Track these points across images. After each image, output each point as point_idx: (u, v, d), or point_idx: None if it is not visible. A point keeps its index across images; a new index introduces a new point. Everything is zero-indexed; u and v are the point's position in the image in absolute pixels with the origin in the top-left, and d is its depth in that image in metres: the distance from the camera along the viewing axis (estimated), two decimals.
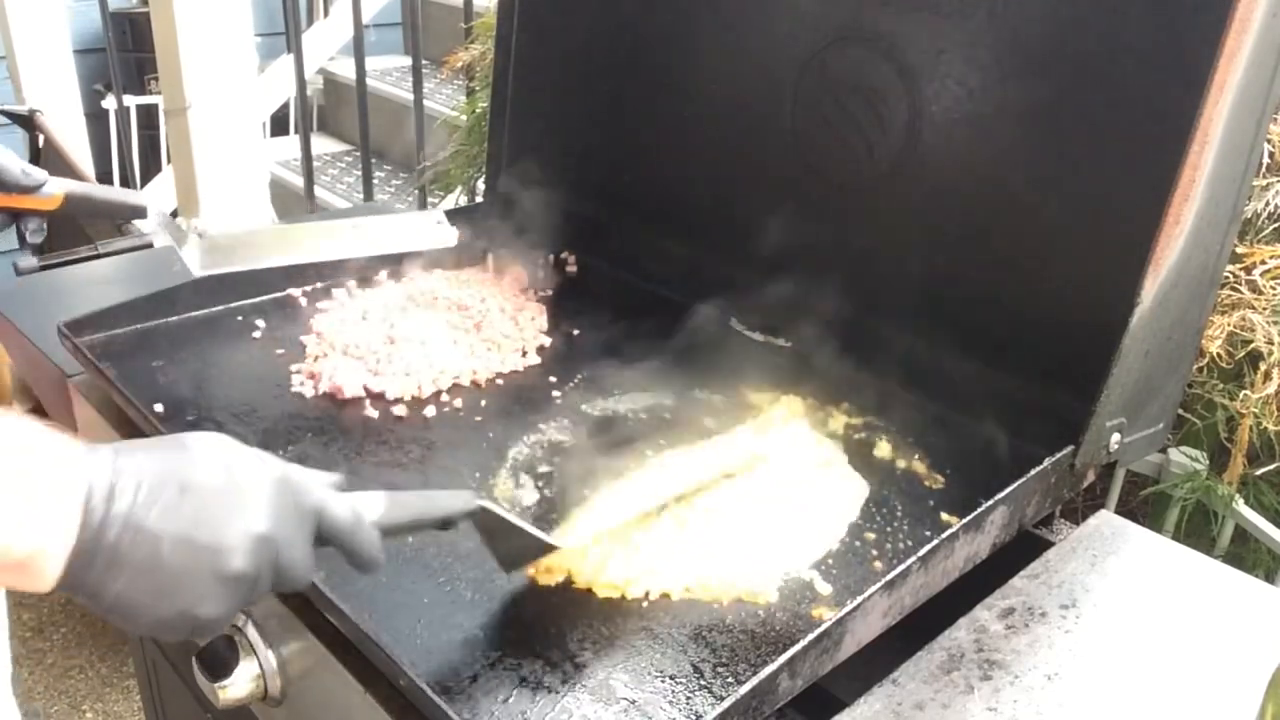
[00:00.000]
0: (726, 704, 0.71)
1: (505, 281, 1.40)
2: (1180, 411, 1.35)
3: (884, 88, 1.16)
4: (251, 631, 0.93)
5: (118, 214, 1.10)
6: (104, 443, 0.62)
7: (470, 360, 1.21)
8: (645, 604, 0.86)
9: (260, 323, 1.28)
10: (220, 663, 0.92)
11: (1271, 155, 1.38)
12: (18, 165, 1.03)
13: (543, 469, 1.04)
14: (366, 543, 0.71)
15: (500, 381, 1.20)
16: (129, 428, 1.11)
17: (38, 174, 1.05)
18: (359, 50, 2.72)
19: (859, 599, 0.79)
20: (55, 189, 1.05)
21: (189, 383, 1.14)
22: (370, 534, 0.71)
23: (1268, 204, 1.37)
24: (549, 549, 0.84)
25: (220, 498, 0.63)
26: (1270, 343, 1.33)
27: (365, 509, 0.71)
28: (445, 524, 0.78)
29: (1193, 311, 1.00)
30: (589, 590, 0.87)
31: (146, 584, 0.60)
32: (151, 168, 4.22)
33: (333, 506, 0.69)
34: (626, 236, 1.44)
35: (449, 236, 1.26)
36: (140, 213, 1.10)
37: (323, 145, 4.51)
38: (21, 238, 1.08)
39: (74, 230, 2.63)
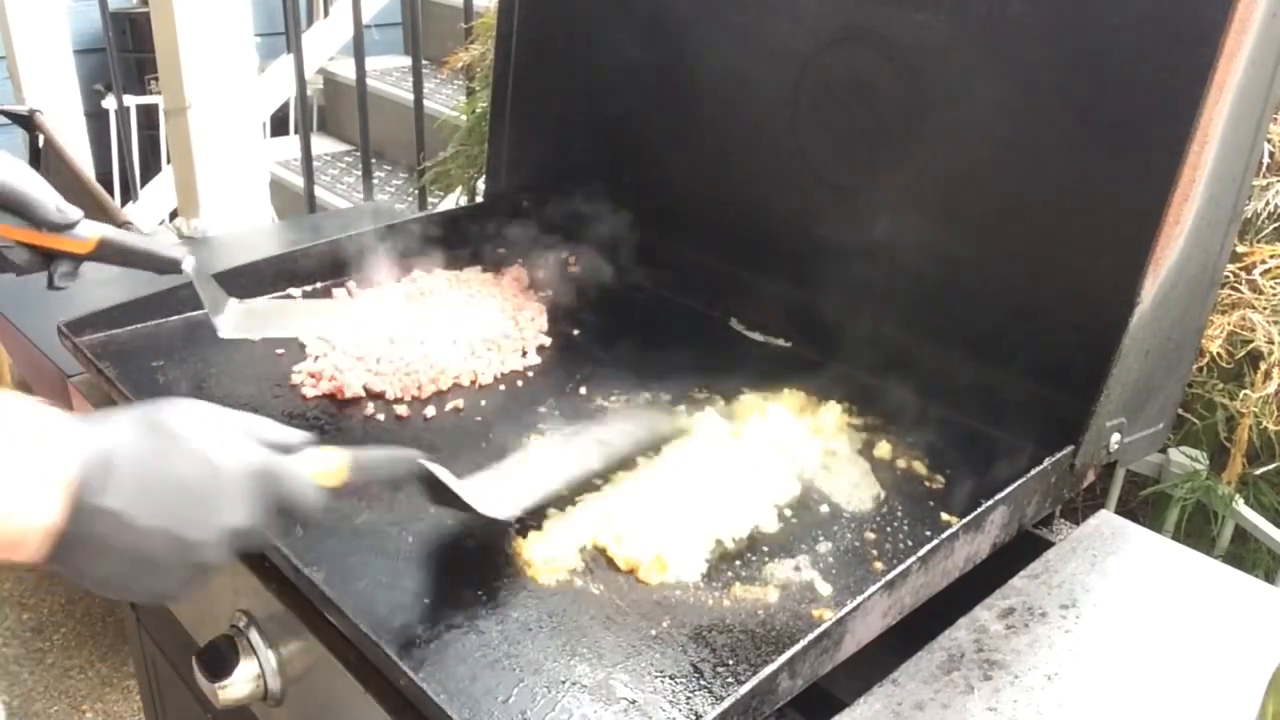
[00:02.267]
0: (726, 704, 0.71)
1: (505, 281, 1.40)
2: (1180, 411, 1.35)
3: (884, 88, 1.16)
4: (251, 632, 0.93)
5: (153, 266, 1.04)
6: (93, 414, 0.64)
7: (471, 360, 1.21)
8: (585, 564, 0.90)
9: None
10: (220, 663, 0.92)
11: (1271, 155, 1.38)
12: (52, 200, 0.95)
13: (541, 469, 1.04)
14: (318, 515, 0.75)
15: (501, 383, 1.20)
16: None
17: (72, 212, 0.96)
18: (359, 50, 2.72)
19: (859, 599, 0.79)
20: (90, 231, 0.98)
21: (189, 383, 1.14)
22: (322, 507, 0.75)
23: (1268, 204, 1.37)
24: (479, 516, 0.87)
25: (202, 493, 0.66)
26: (1270, 342, 1.33)
27: (328, 477, 0.76)
28: (395, 485, 0.86)
29: (1193, 311, 1.00)
30: (589, 592, 0.88)
31: (126, 569, 0.64)
32: (151, 168, 4.22)
33: (304, 496, 0.73)
34: (627, 236, 1.44)
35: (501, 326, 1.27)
36: (175, 267, 1.04)
37: (323, 145, 4.52)
38: (50, 279, 0.98)
39: None
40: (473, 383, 1.19)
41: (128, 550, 0.63)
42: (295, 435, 0.76)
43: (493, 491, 0.89)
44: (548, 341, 1.29)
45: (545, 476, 0.95)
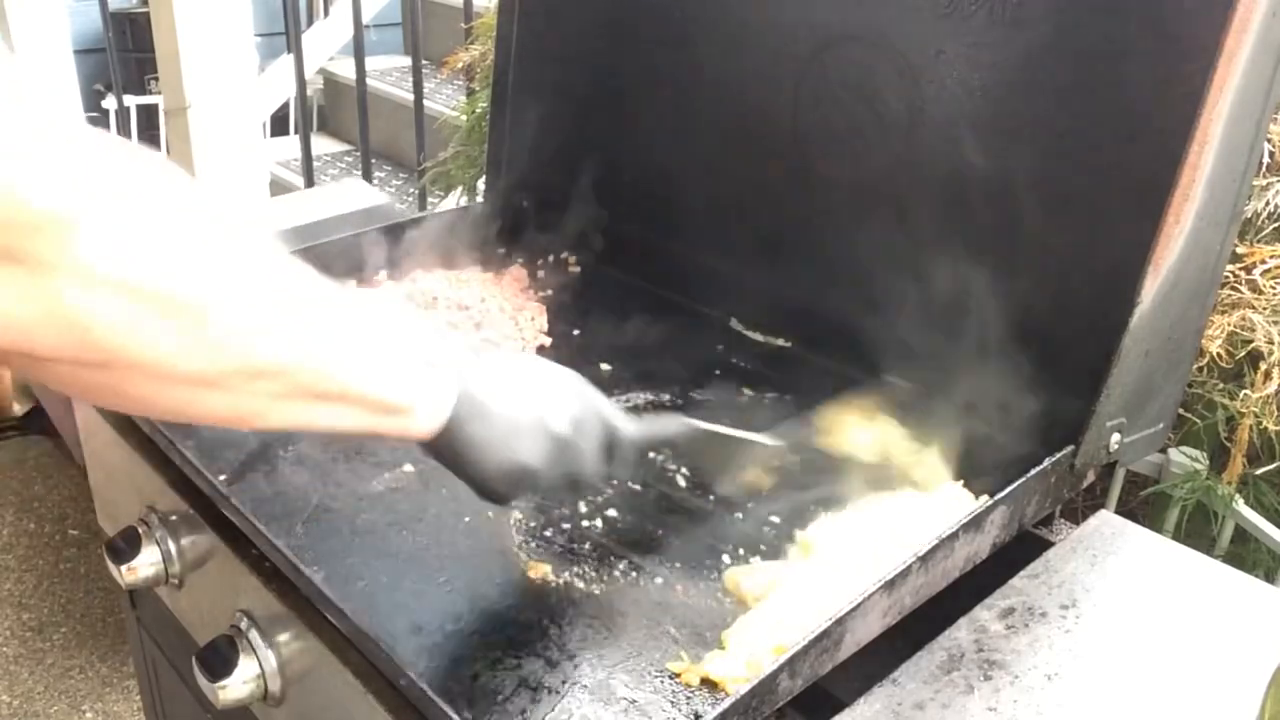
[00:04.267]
0: (726, 704, 0.71)
1: (505, 281, 1.40)
2: (1180, 411, 1.35)
3: (884, 88, 1.16)
4: (252, 632, 0.93)
5: None
6: None
7: None
8: (646, 598, 0.86)
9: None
10: (220, 663, 0.92)
11: (1271, 155, 1.38)
12: None
13: None
14: (632, 460, 0.94)
15: None
16: (129, 428, 1.11)
17: None
18: (359, 50, 2.73)
19: (859, 599, 0.79)
20: None
21: None
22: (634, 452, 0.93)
23: (1268, 204, 1.37)
24: (763, 448, 1.00)
25: (547, 388, 0.85)
26: (1270, 342, 1.33)
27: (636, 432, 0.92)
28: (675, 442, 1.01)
29: (1193, 311, 1.00)
30: (589, 592, 0.88)
31: (498, 432, 0.79)
32: None
33: (620, 420, 0.90)
34: (627, 236, 1.44)
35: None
36: None
37: (323, 145, 4.52)
38: None
39: None
40: None
41: (499, 414, 0.79)
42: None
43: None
44: (548, 341, 1.29)
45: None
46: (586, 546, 0.94)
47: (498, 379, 0.81)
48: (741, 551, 0.94)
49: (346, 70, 4.14)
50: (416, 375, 0.74)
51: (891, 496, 1.01)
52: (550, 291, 1.40)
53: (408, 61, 3.76)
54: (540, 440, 0.82)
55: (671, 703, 0.76)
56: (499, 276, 1.42)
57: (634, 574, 0.90)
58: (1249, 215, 1.37)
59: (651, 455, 1.05)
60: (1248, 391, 1.36)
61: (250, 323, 0.62)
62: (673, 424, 0.99)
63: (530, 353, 1.25)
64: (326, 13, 4.05)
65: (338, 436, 1.02)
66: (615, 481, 1.00)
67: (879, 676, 0.84)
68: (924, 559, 0.83)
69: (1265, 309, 1.34)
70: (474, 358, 0.81)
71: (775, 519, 0.99)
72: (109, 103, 4.15)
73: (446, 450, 0.79)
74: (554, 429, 0.83)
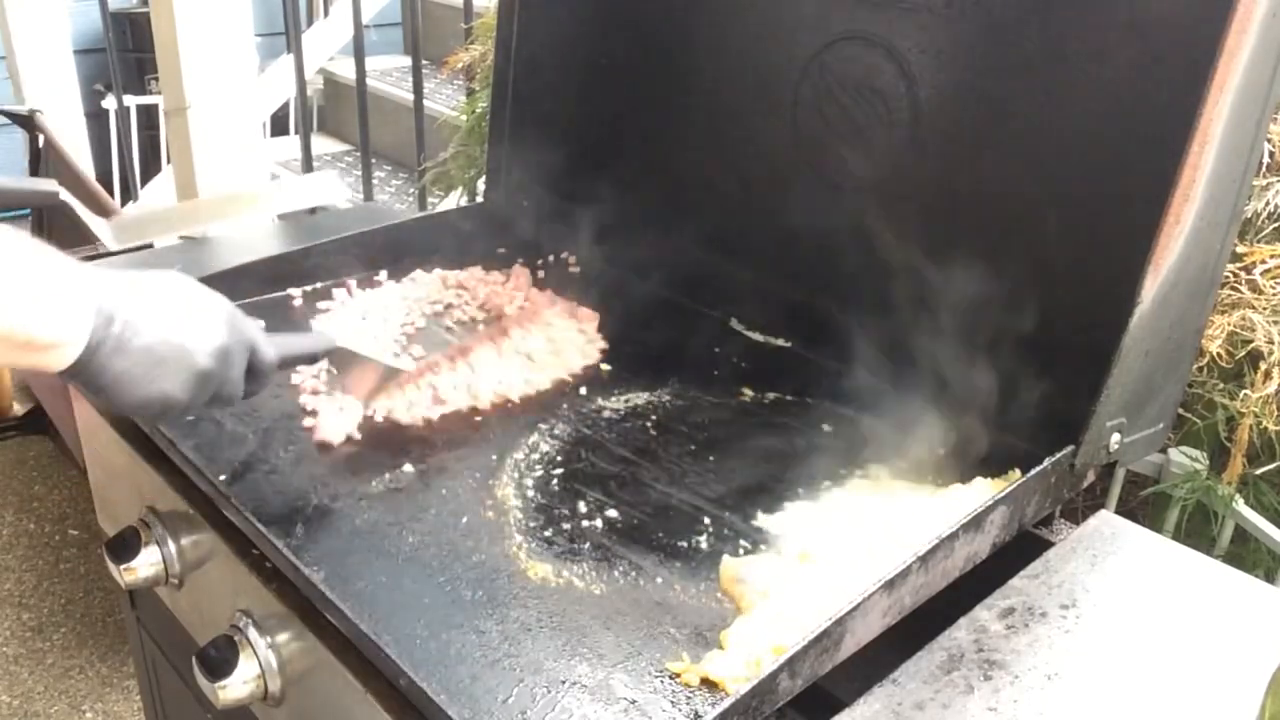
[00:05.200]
0: (726, 704, 0.71)
1: (519, 282, 1.40)
2: (1180, 411, 1.35)
3: (884, 88, 1.16)
4: (251, 632, 0.93)
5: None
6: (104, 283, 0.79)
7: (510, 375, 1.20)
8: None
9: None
10: (220, 663, 0.92)
11: (1271, 155, 1.38)
12: None
13: (539, 473, 1.04)
14: (269, 378, 0.94)
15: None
16: (129, 428, 1.11)
17: None
18: (359, 50, 2.72)
19: (859, 599, 0.79)
20: None
21: None
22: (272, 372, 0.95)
23: (1268, 204, 1.37)
24: (393, 371, 1.10)
25: (193, 316, 0.84)
26: (1270, 342, 1.33)
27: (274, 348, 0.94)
28: (313, 359, 1.05)
29: (1193, 311, 1.00)
30: (589, 592, 0.88)
31: (139, 366, 0.80)
32: (151, 168, 4.22)
33: (262, 344, 0.92)
34: (627, 236, 1.44)
35: (338, 195, 1.27)
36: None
37: (323, 145, 4.52)
38: None
39: (74, 230, 2.63)
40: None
41: (140, 350, 0.79)
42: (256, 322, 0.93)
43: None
44: (604, 346, 1.28)
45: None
46: (586, 546, 0.94)
47: (141, 310, 0.80)
48: (742, 550, 0.94)
49: (346, 70, 4.14)
50: (53, 309, 0.74)
51: (892, 496, 1.01)
52: (549, 291, 1.40)
53: (408, 61, 3.77)
54: (183, 373, 0.82)
55: (671, 703, 0.76)
56: (504, 276, 1.42)
57: (634, 574, 0.90)
58: (1249, 215, 1.37)
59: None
60: (1248, 391, 1.36)
61: None
62: (310, 340, 1.07)
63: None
64: (326, 13, 4.05)
65: None
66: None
67: (879, 676, 0.84)
68: (924, 559, 0.83)
69: (1265, 309, 1.34)
70: (118, 287, 0.79)
71: (776, 519, 0.99)
72: (109, 103, 4.15)
73: (87, 382, 0.79)
74: (198, 363, 0.83)
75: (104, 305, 0.77)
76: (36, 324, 0.73)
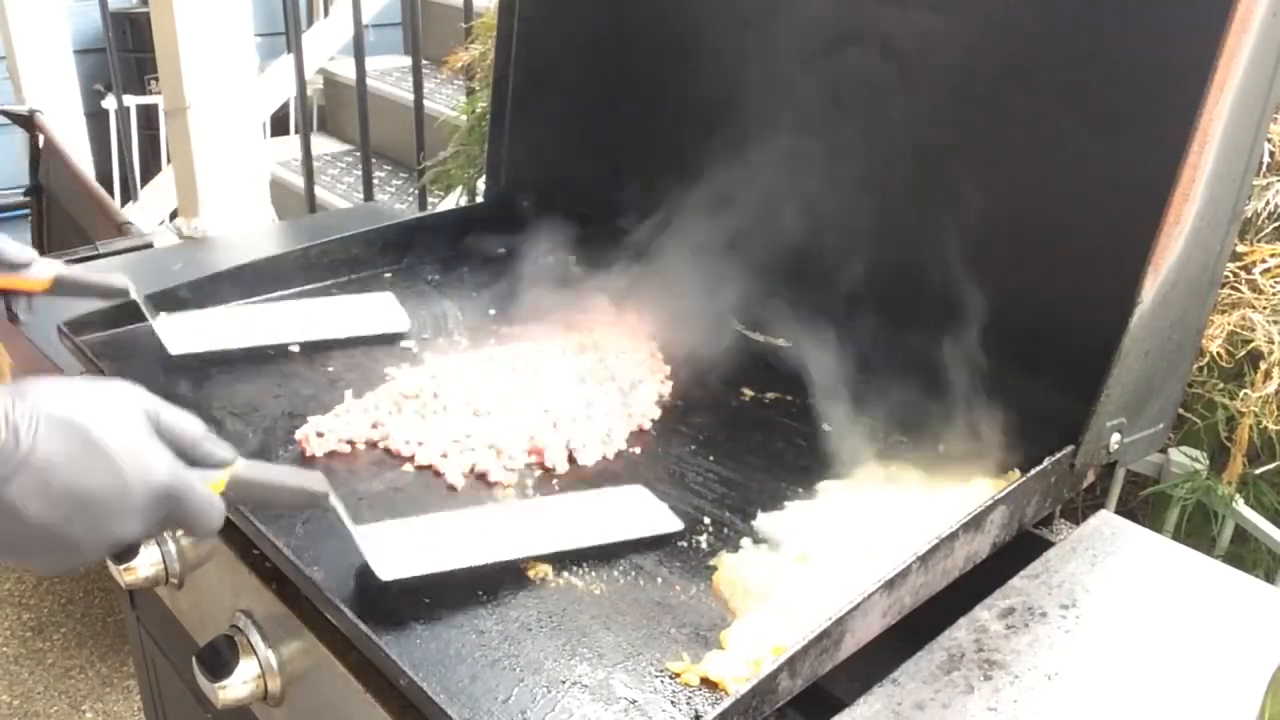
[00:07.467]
0: (726, 704, 0.71)
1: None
2: (1180, 411, 1.35)
3: (884, 88, 1.16)
4: (251, 632, 0.93)
5: (103, 294, 1.15)
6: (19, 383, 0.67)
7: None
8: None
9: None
10: (220, 663, 0.92)
11: (1271, 155, 1.38)
12: (12, 245, 1.04)
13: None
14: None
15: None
16: None
17: (29, 253, 1.05)
18: (359, 50, 2.72)
19: (859, 598, 0.79)
20: (45, 271, 1.06)
21: (189, 382, 1.14)
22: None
23: (1268, 204, 1.37)
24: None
25: (103, 507, 0.67)
26: (1270, 342, 1.33)
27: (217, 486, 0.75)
28: (293, 510, 0.89)
29: (1193, 311, 1.00)
30: (589, 592, 0.88)
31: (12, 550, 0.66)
32: (151, 168, 4.22)
33: (204, 518, 0.73)
34: (626, 236, 1.44)
35: (401, 322, 1.27)
36: (124, 293, 1.14)
37: (323, 145, 4.51)
38: (13, 316, 1.07)
39: (74, 230, 2.63)
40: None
41: (7, 535, 0.65)
42: (197, 427, 0.76)
43: (392, 546, 0.86)
44: (667, 370, 1.28)
45: (457, 547, 0.89)
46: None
47: (21, 484, 0.64)
48: (742, 550, 0.94)
49: (346, 70, 4.14)
50: None
51: (892, 496, 1.01)
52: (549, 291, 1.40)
53: (408, 61, 3.76)
54: (56, 559, 0.69)
55: (671, 703, 0.76)
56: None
57: (634, 574, 0.90)
58: (1249, 215, 1.37)
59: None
60: (1248, 391, 1.36)
61: None
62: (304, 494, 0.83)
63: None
64: (326, 13, 4.05)
65: None
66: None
67: (879, 676, 0.84)
68: (924, 559, 0.83)
69: (1265, 309, 1.35)
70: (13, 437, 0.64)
71: (776, 518, 0.99)
72: (109, 103, 4.15)
73: None
74: (79, 556, 0.68)
75: None
76: None
